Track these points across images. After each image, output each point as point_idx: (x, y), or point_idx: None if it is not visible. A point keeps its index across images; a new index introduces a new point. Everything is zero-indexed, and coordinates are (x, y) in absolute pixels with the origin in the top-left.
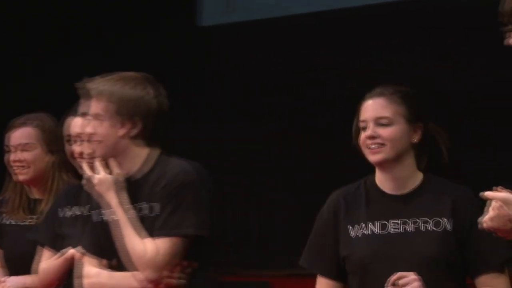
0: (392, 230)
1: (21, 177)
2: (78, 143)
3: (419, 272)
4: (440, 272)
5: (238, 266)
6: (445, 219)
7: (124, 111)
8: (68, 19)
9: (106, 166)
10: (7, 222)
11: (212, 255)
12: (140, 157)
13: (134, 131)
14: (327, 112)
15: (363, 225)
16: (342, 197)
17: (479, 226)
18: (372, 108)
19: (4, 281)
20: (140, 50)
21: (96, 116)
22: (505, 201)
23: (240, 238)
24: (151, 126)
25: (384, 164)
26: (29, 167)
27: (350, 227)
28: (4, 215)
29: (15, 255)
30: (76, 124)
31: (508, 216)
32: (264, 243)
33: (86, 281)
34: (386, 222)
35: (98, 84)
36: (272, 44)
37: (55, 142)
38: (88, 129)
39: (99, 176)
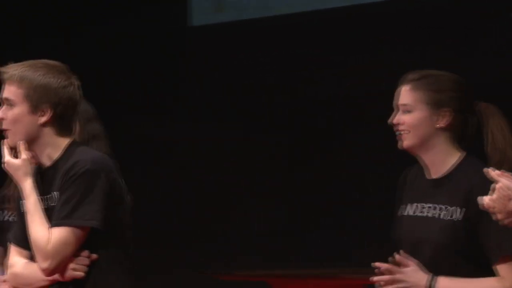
0: (419, 214)
1: None
2: None
3: (428, 258)
4: (450, 259)
5: (235, 266)
6: (458, 209)
7: (33, 97)
8: (56, 10)
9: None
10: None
11: (125, 249)
12: (50, 145)
13: (43, 119)
14: (326, 112)
15: (405, 206)
16: (407, 175)
17: (479, 205)
18: (399, 94)
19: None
20: (130, 49)
21: (7, 101)
22: (506, 187)
23: (239, 238)
24: (61, 114)
25: (410, 150)
26: None
27: (400, 206)
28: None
29: None
30: None
31: (508, 196)
32: (263, 243)
33: (8, 271)
34: (419, 206)
35: (11, 69)
36: (264, 44)
37: None
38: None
39: (14, 161)
